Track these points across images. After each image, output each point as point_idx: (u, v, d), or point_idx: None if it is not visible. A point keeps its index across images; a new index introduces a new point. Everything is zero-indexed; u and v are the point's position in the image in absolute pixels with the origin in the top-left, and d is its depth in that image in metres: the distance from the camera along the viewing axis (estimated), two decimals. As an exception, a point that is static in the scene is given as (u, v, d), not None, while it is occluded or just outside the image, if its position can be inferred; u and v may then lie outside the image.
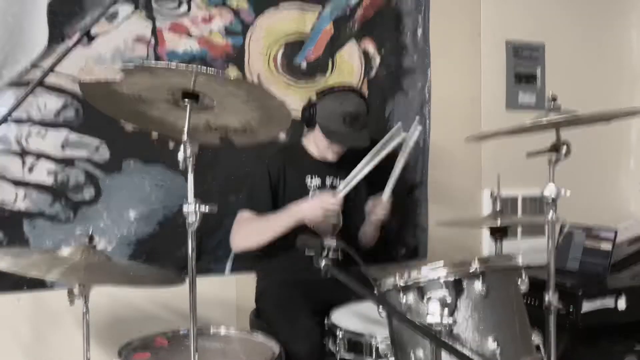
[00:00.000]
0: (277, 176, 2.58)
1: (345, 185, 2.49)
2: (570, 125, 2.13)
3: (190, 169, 1.69)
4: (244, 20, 2.87)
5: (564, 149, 2.09)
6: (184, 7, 2.75)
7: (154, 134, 2.68)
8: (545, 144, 2.12)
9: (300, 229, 2.53)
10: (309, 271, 2.17)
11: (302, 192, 2.62)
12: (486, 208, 3.38)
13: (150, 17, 2.69)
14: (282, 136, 2.90)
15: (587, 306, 2.70)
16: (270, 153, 2.71)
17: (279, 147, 2.84)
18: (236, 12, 2.85)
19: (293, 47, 2.99)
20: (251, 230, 2.55)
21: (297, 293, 2.41)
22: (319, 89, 2.69)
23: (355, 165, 2.54)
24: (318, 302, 2.35)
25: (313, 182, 2.65)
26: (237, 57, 2.86)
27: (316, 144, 2.67)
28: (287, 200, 2.58)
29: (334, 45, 3.07)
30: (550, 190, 2.09)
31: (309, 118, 2.60)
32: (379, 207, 2.59)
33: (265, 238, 2.50)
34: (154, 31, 2.70)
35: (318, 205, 2.40)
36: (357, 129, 2.56)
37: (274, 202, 2.58)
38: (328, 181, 2.68)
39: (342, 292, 2.17)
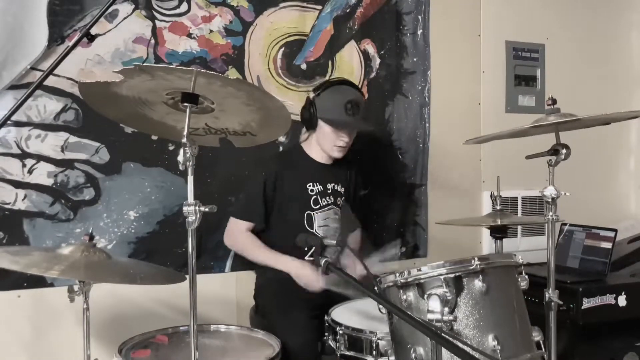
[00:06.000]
0: (274, 186, 2.54)
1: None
2: (569, 129, 2.13)
3: (190, 172, 1.68)
4: (244, 20, 2.87)
5: (563, 152, 2.09)
6: (184, 6, 2.75)
7: (154, 137, 2.67)
8: (545, 146, 2.12)
9: (300, 229, 2.54)
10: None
11: (304, 198, 2.59)
12: (486, 209, 3.37)
13: (150, 16, 2.69)
14: (282, 139, 2.89)
15: (587, 303, 2.72)
16: (269, 156, 2.70)
17: (277, 153, 2.80)
18: (236, 11, 2.85)
19: (293, 48, 2.98)
20: (246, 250, 2.59)
21: (295, 289, 2.40)
22: (316, 86, 2.67)
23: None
24: (316, 299, 2.35)
25: (315, 188, 2.61)
26: (237, 58, 2.86)
27: (320, 144, 2.61)
28: (289, 207, 2.57)
29: (334, 45, 3.07)
30: (549, 191, 2.09)
31: (309, 118, 2.55)
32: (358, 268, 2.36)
33: (256, 262, 2.59)
34: (154, 31, 2.69)
35: (303, 279, 2.40)
36: (360, 116, 2.57)
37: (271, 209, 2.57)
38: (329, 187, 2.65)
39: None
